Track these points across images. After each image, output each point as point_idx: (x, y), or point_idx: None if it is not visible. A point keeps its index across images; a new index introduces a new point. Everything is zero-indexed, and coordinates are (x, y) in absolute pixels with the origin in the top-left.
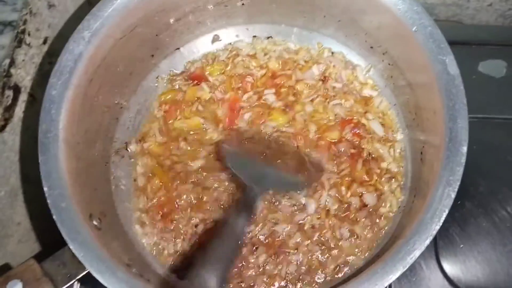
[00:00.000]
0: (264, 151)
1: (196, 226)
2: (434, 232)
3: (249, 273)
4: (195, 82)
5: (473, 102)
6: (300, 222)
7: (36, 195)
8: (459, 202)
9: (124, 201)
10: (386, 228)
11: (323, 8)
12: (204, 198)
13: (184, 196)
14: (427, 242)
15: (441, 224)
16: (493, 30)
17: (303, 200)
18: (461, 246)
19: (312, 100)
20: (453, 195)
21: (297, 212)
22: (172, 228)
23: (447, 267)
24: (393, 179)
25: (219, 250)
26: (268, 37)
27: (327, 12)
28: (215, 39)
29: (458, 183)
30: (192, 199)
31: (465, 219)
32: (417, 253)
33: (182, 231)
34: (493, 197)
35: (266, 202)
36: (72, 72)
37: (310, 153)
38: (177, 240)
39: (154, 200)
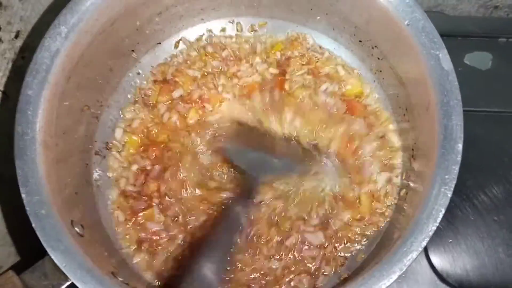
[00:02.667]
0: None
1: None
2: (431, 233)
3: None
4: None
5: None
6: None
7: (11, 195)
8: None
9: (106, 203)
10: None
11: (311, 1)
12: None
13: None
14: (424, 243)
15: (437, 224)
16: (478, 21)
17: None
18: (450, 240)
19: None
20: (449, 194)
21: None
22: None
23: (436, 261)
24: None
25: (220, 236)
26: (253, 31)
27: (315, 4)
28: (198, 33)
29: (454, 182)
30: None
31: (453, 213)
32: (414, 255)
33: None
34: (480, 190)
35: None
36: (49, 70)
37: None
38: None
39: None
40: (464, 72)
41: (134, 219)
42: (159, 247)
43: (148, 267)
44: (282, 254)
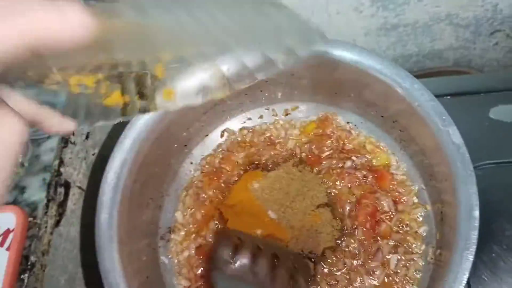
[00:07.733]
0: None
1: None
2: None
3: None
4: None
5: (489, 148)
6: None
7: (92, 278)
8: (486, 245)
9: (173, 283)
10: None
11: (334, 87)
12: None
13: None
14: None
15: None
16: (499, 77)
17: None
18: None
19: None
20: (471, 258)
21: None
22: None
23: None
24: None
25: None
26: (287, 115)
27: (338, 90)
28: (240, 121)
29: (475, 246)
30: None
31: (495, 262)
32: None
33: None
34: None
35: None
36: (119, 177)
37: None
38: None
39: None
40: (491, 126)
41: None
42: None
43: None
44: None
